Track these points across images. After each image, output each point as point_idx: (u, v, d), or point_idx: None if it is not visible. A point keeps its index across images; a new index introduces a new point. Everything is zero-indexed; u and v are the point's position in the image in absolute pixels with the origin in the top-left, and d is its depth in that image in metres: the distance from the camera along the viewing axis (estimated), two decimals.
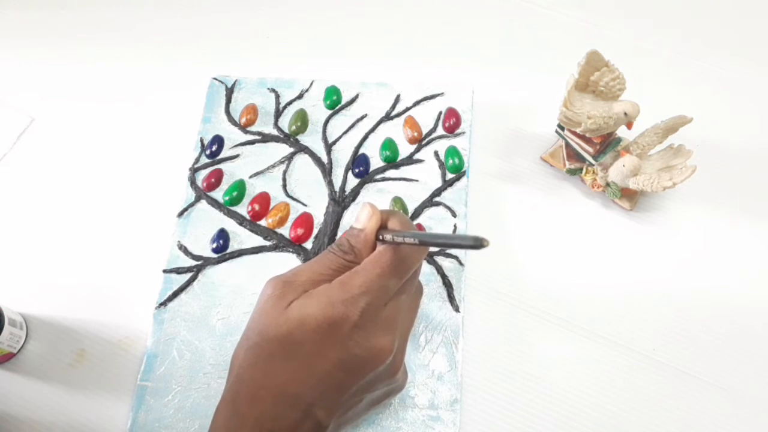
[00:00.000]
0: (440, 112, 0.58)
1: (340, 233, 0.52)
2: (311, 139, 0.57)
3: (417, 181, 0.55)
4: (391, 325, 0.35)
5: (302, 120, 0.58)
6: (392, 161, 0.56)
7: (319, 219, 0.53)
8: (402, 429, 0.45)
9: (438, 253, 0.51)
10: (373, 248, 0.37)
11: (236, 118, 0.58)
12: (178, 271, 0.51)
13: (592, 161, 0.53)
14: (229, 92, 0.60)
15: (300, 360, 0.34)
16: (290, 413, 0.34)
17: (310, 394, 0.34)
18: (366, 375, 0.35)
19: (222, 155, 0.56)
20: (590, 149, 0.52)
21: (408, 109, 0.58)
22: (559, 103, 0.49)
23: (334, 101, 0.59)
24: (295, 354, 0.34)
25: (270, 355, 0.35)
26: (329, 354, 0.34)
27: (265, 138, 0.57)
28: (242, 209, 0.54)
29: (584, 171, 0.54)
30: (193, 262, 0.52)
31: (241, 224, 0.53)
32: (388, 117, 0.58)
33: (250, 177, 0.55)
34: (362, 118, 0.58)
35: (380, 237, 0.36)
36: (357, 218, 0.38)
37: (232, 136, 0.57)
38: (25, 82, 0.63)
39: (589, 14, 0.65)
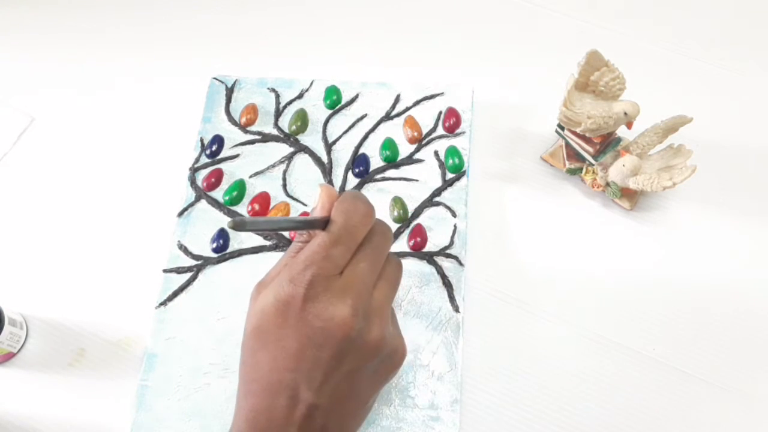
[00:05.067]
0: (440, 112, 0.58)
1: None
2: (311, 138, 0.57)
3: (417, 180, 0.55)
4: (348, 293, 0.35)
5: (302, 120, 0.58)
6: (392, 161, 0.56)
7: None
8: (402, 429, 0.45)
9: (438, 254, 0.51)
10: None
11: (236, 118, 0.58)
12: (178, 270, 0.51)
13: (592, 161, 0.53)
14: (229, 92, 0.60)
15: (272, 347, 0.35)
16: (279, 401, 0.35)
17: (292, 376, 0.35)
18: (338, 345, 0.35)
19: (222, 155, 0.56)
20: (590, 149, 0.52)
21: (408, 108, 0.58)
22: (559, 103, 0.49)
23: (334, 101, 0.59)
24: (267, 342, 0.36)
25: (251, 349, 0.36)
26: (293, 334, 0.35)
27: (265, 138, 0.57)
28: (242, 209, 0.54)
29: (584, 171, 0.54)
30: (193, 262, 0.52)
31: None
32: (388, 117, 0.58)
33: (250, 177, 0.55)
34: (362, 117, 0.58)
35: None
36: (315, 201, 0.38)
37: (232, 135, 0.57)
38: (25, 82, 0.63)
39: (589, 14, 0.65)
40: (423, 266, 0.51)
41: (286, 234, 0.53)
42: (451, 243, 0.52)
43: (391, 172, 0.55)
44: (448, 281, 0.50)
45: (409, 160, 0.56)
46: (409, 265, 0.51)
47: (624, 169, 0.50)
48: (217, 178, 0.55)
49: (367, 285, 0.36)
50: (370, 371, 0.37)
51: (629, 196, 0.53)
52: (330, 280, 0.35)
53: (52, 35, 0.65)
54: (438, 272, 0.51)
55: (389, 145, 0.56)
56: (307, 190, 0.55)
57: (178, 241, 0.53)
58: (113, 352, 0.49)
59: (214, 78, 0.60)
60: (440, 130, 0.57)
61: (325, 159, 0.56)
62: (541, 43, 0.63)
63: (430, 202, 0.54)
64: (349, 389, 0.37)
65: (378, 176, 0.55)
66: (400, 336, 0.39)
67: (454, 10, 0.65)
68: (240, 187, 0.55)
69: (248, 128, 0.58)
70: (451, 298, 0.50)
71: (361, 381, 0.37)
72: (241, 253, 0.52)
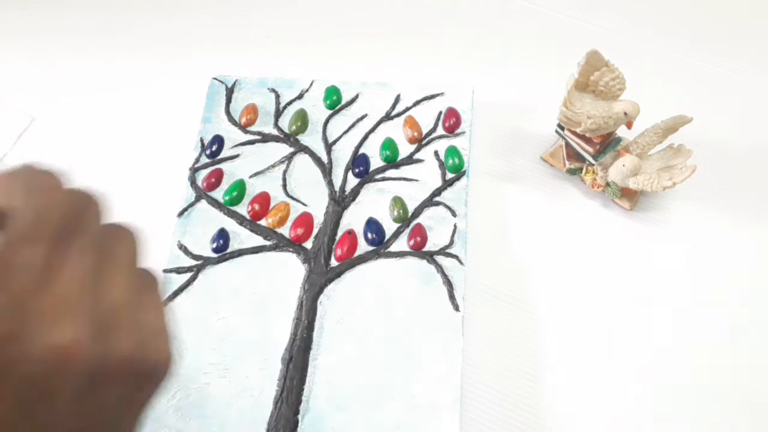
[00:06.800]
0: (440, 112, 0.58)
1: (340, 233, 0.52)
2: (311, 139, 0.57)
3: (417, 180, 0.55)
4: None
5: (302, 120, 0.58)
6: (392, 161, 0.56)
7: (319, 219, 0.53)
8: (402, 429, 0.45)
9: (438, 253, 0.51)
10: None
11: (236, 118, 0.58)
12: (178, 270, 0.51)
13: (592, 161, 0.53)
14: (230, 92, 0.60)
15: None
16: None
17: None
18: None
19: (222, 155, 0.56)
20: (590, 149, 0.52)
21: (408, 109, 0.58)
22: (559, 103, 0.49)
23: (334, 101, 0.59)
24: None
25: None
26: None
27: (265, 138, 0.57)
28: (242, 209, 0.54)
29: (584, 171, 0.54)
30: (194, 262, 0.52)
31: (241, 224, 0.53)
32: (388, 117, 0.58)
33: (250, 177, 0.55)
34: (362, 118, 0.58)
35: None
36: None
37: (233, 136, 0.57)
38: (25, 82, 0.63)
39: (589, 14, 0.65)
40: (423, 265, 0.51)
41: (285, 233, 0.53)
42: (451, 242, 0.52)
43: (391, 172, 0.55)
44: (449, 280, 0.50)
45: (409, 160, 0.56)
46: (410, 264, 0.51)
47: (624, 169, 0.50)
48: (217, 178, 0.55)
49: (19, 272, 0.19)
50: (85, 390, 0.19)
51: (629, 196, 0.53)
52: None
53: (52, 36, 0.65)
54: (438, 271, 0.51)
55: (389, 145, 0.56)
56: (307, 191, 0.55)
57: (178, 241, 0.53)
58: None
59: (214, 78, 0.60)
60: (440, 130, 0.57)
61: (325, 159, 0.56)
62: (541, 43, 0.63)
63: (430, 201, 0.54)
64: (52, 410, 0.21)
65: (378, 176, 0.55)
66: None
67: (454, 11, 0.66)
68: (240, 187, 0.55)
69: (248, 128, 0.58)
70: (451, 297, 0.50)
71: (64, 403, 0.18)
72: (241, 253, 0.52)
